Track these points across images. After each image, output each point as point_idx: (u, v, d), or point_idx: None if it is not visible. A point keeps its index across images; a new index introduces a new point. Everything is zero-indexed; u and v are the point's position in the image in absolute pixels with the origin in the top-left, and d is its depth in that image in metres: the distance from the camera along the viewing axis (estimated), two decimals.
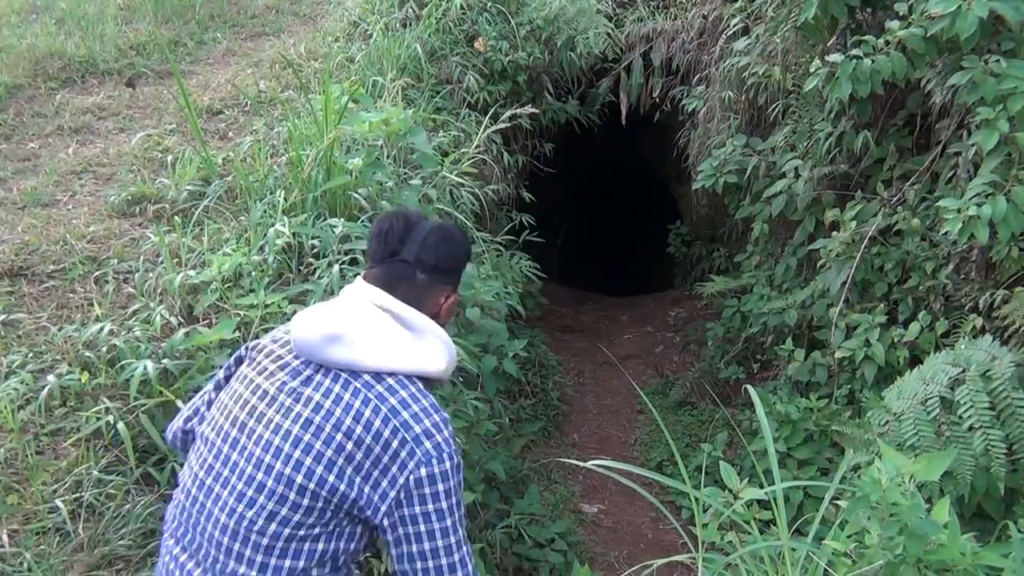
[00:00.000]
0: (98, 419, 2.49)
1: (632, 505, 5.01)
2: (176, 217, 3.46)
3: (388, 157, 3.92)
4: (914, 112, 4.26)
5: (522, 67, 5.92)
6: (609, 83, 7.12)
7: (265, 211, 3.39)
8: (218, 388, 1.83)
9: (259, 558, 1.52)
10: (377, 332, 1.62)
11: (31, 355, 2.73)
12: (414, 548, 1.55)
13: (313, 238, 3.24)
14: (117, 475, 2.41)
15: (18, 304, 3.02)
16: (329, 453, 1.52)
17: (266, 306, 2.79)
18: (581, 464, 2.75)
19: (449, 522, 1.55)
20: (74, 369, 2.64)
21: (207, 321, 2.95)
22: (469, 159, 4.11)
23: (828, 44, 4.32)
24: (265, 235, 3.19)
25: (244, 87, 5.20)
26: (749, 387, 2.18)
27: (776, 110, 5.19)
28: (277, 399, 1.59)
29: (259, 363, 1.69)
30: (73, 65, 5.59)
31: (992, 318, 3.33)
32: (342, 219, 3.30)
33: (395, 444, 1.53)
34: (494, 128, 4.12)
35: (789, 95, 5.01)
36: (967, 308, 3.59)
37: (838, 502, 1.99)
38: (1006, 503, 2.86)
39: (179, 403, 2.55)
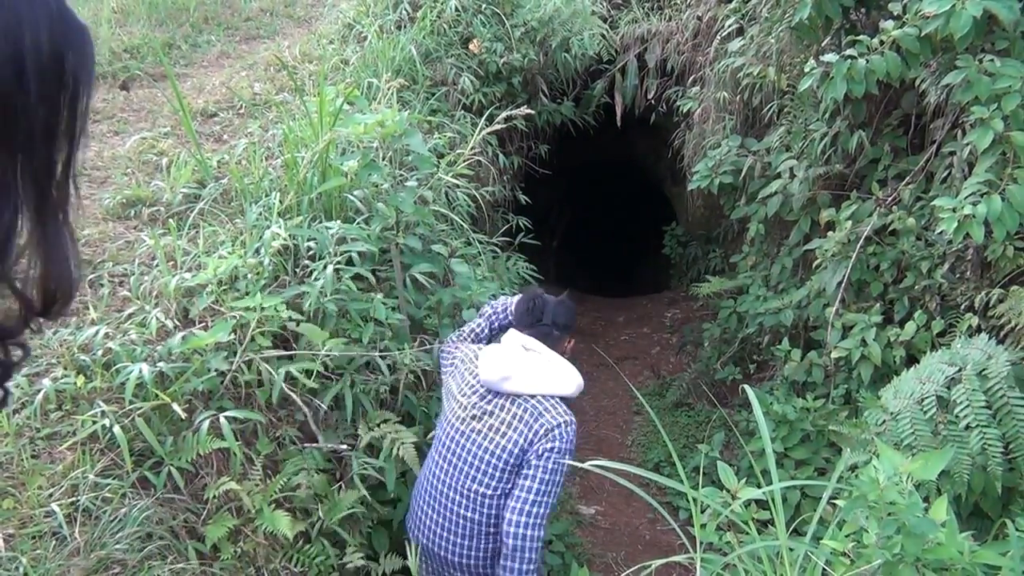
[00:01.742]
0: (94, 423, 2.48)
1: (629, 506, 5.01)
2: (171, 220, 3.45)
3: (383, 159, 3.92)
4: (909, 112, 4.27)
5: (517, 69, 5.92)
6: (604, 84, 7.12)
7: (260, 213, 3.38)
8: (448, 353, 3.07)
9: (476, 505, 2.64)
10: (531, 371, 2.71)
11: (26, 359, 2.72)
12: (519, 485, 2.59)
13: (309, 240, 3.23)
14: (113, 479, 2.40)
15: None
16: (507, 444, 2.63)
17: (262, 309, 2.78)
18: (578, 465, 2.75)
19: (539, 485, 2.55)
20: (69, 373, 2.63)
21: (203, 324, 2.94)
22: (465, 161, 4.11)
23: (823, 44, 4.33)
24: (261, 237, 3.18)
25: (239, 90, 5.19)
26: (747, 387, 2.19)
27: (771, 110, 5.20)
28: (474, 415, 2.73)
29: (466, 379, 2.83)
30: None
31: (988, 317, 3.34)
32: (338, 221, 3.30)
33: (541, 431, 2.60)
34: (489, 130, 4.11)
35: (784, 95, 5.02)
36: (963, 307, 3.59)
37: (836, 502, 1.99)
38: (1003, 502, 2.86)
39: (175, 406, 2.54)
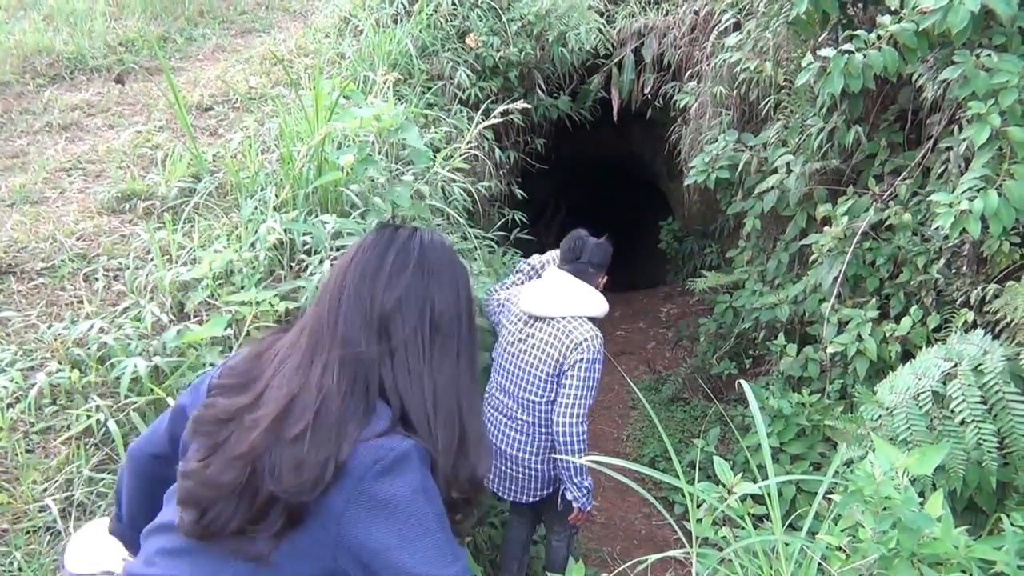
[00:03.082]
0: (88, 417, 2.47)
1: (625, 501, 5.02)
2: (166, 214, 3.44)
3: (380, 153, 3.91)
4: (905, 107, 4.27)
5: (513, 63, 5.90)
6: (601, 79, 7.11)
7: (256, 208, 3.37)
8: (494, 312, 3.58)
9: (528, 410, 3.27)
10: (563, 297, 3.24)
11: (20, 353, 2.71)
12: (561, 392, 3.15)
13: (305, 234, 3.22)
14: (108, 473, 2.39)
15: (7, 302, 3.00)
16: (547, 359, 3.19)
17: (258, 303, 2.77)
18: (575, 460, 2.76)
19: (575, 391, 3.11)
20: (64, 367, 2.62)
21: (198, 318, 2.93)
22: (461, 155, 4.10)
23: (819, 39, 4.33)
24: (256, 232, 3.17)
25: (234, 83, 5.17)
26: (743, 382, 2.18)
27: (768, 105, 5.19)
28: (520, 338, 3.31)
29: (511, 317, 3.38)
30: (61, 61, 5.55)
31: (983, 312, 3.34)
32: (334, 215, 3.29)
33: (571, 345, 3.14)
34: (486, 124, 4.10)
35: (781, 90, 5.01)
36: (958, 302, 3.60)
37: (831, 496, 1.99)
38: (997, 497, 2.87)
39: (170, 400, 2.53)
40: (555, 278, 3.33)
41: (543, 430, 3.27)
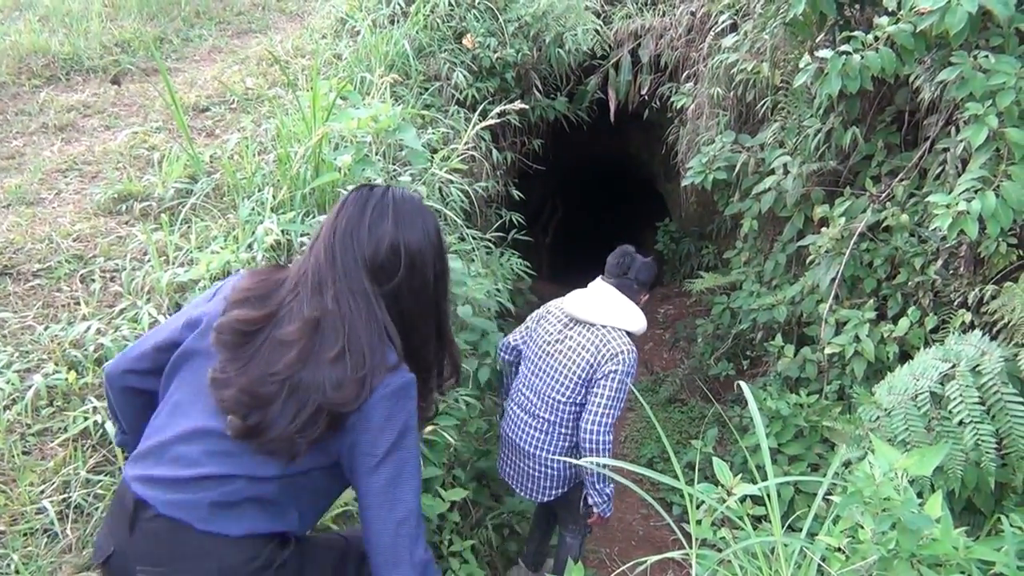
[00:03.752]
0: (85, 419, 2.46)
1: (623, 502, 5.01)
2: (163, 215, 3.43)
3: (377, 154, 3.90)
4: (903, 108, 4.27)
5: (510, 64, 5.90)
6: (598, 80, 7.11)
7: (253, 209, 3.37)
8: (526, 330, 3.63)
9: (553, 408, 3.30)
10: (604, 307, 3.33)
11: (17, 355, 2.70)
12: (591, 400, 3.18)
13: (302, 235, 3.22)
14: (105, 475, 2.38)
15: (3, 303, 2.98)
16: (580, 362, 3.24)
17: None
18: (572, 461, 2.76)
19: (607, 400, 3.15)
20: (61, 368, 2.61)
21: None
22: (458, 156, 4.09)
23: (817, 40, 4.33)
24: (253, 233, 3.17)
25: (231, 84, 5.16)
26: (742, 383, 2.18)
27: (765, 107, 5.19)
28: (558, 338, 3.37)
29: (550, 319, 3.46)
30: (57, 62, 5.54)
31: (981, 313, 3.34)
32: None
33: (607, 355, 3.20)
34: (483, 125, 4.09)
35: (778, 91, 5.01)
36: (956, 303, 3.60)
37: (830, 497, 1.99)
38: (996, 497, 2.87)
39: None
40: (600, 288, 3.42)
41: (563, 430, 3.32)
